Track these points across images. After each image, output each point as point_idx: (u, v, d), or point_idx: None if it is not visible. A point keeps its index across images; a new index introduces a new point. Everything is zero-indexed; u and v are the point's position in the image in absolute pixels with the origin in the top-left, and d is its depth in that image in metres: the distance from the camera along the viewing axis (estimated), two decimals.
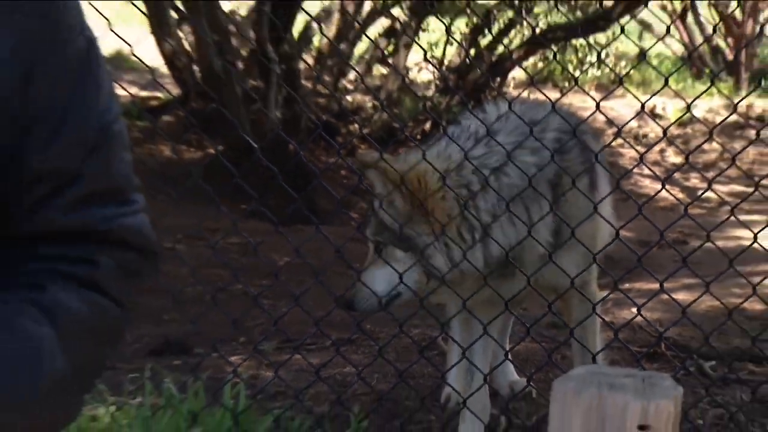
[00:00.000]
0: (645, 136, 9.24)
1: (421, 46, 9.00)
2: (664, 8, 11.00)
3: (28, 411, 1.88)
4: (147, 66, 8.23)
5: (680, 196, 7.82)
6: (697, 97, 8.95)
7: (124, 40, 6.25)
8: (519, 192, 5.62)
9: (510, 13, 9.09)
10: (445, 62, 9.59)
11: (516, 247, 5.57)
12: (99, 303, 1.97)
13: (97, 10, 5.33)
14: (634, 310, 6.07)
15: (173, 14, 8.91)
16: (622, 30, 8.77)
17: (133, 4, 8.35)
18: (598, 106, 6.38)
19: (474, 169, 5.59)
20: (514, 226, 5.57)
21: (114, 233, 2.01)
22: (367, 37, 9.61)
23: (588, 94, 7.98)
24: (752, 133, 8.54)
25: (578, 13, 8.95)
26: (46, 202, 1.94)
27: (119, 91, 2.21)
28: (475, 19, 9.31)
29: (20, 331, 1.84)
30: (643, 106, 6.47)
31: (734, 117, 9.90)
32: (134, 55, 6.88)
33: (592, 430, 2.03)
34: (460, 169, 5.62)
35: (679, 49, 12.30)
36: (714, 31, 11.46)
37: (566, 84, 9.77)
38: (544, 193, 5.63)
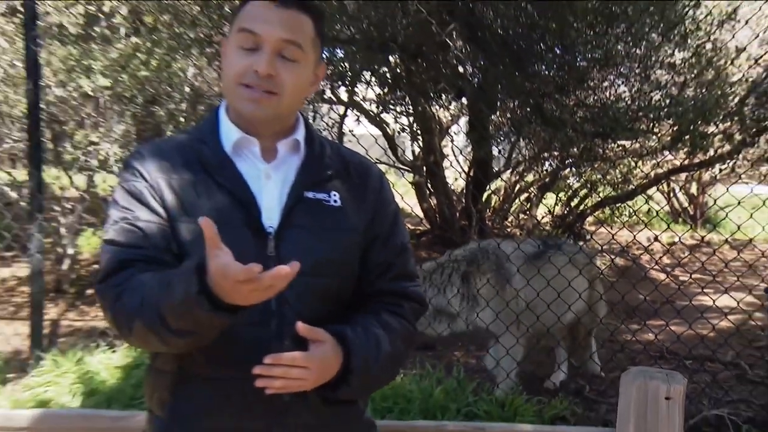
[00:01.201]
0: (652, 249, 9.44)
1: (545, 205, 9.90)
2: (659, 190, 11.29)
3: (378, 370, 2.05)
4: (417, 215, 8.98)
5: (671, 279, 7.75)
6: (684, 233, 9.47)
7: (408, 205, 6.96)
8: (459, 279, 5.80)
9: (585, 191, 9.60)
10: (555, 212, 9.94)
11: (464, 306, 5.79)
12: (404, 324, 2.15)
13: (397, 192, 5.70)
14: (651, 335, 6.35)
15: (427, 191, 9.44)
16: (647, 200, 8.99)
17: (412, 185, 9.34)
18: (634, 237, 7.06)
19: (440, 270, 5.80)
20: (456, 296, 5.73)
21: (408, 294, 2.20)
22: (518, 200, 9.99)
23: (629, 231, 8.45)
24: (705, 249, 8.77)
25: (620, 191, 9.19)
26: (379, 278, 2.16)
27: None
28: (569, 193, 9.76)
29: (371, 331, 2.04)
30: (656, 237, 6.63)
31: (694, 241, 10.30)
32: (412, 211, 7.77)
33: (641, 398, 2.32)
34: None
35: (665, 208, 12.59)
36: (689, 203, 11.79)
37: (614, 223, 10.03)
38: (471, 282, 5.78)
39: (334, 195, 2.09)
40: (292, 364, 1.85)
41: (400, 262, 2.20)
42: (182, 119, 7.71)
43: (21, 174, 7.86)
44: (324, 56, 2.16)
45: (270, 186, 2.05)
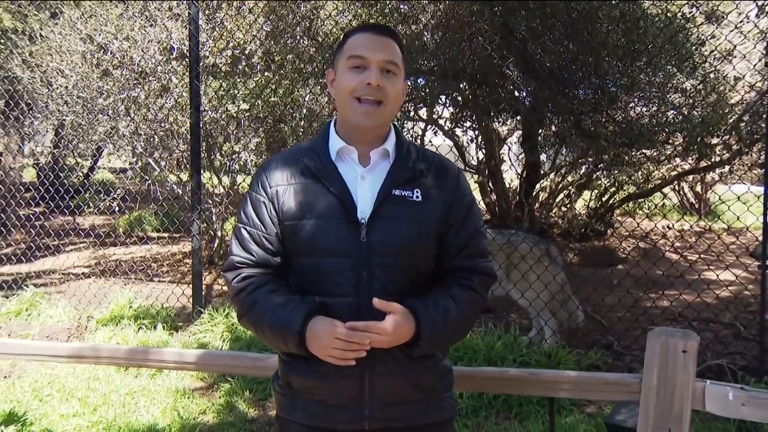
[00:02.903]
0: (667, 235, 9.06)
1: (583, 199, 9.74)
2: (673, 188, 10.85)
3: (445, 333, 2.03)
4: (480, 208, 8.97)
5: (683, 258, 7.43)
6: (696, 221, 9.39)
7: (476, 201, 6.94)
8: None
9: (614, 189, 8.96)
10: (590, 205, 9.68)
11: None
12: (472, 294, 2.09)
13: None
14: (667, 302, 6.22)
15: (489, 189, 9.29)
16: (663, 197, 9.00)
17: (477, 183, 9.17)
18: (655, 225, 7.14)
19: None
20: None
21: (479, 269, 2.13)
22: (561, 196, 9.64)
23: (649, 220, 8.43)
24: (708, 235, 8.56)
25: (642, 189, 8.71)
26: (456, 256, 2.10)
27: None
28: (601, 190, 9.41)
29: (440, 303, 2.01)
30: (670, 226, 6.99)
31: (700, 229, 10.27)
32: (479, 204, 7.72)
33: (663, 352, 2.27)
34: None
35: (677, 204, 11.46)
36: (696, 199, 11.50)
37: (637, 215, 9.86)
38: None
39: (417, 191, 2.06)
40: (366, 329, 1.91)
41: (473, 243, 2.14)
42: (301, 133, 7.77)
43: (185, 176, 8.07)
44: (409, 80, 2.21)
45: (365, 185, 2.05)
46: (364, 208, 2.01)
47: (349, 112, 2.05)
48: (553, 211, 9.72)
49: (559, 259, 5.92)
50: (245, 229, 2.10)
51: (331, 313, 1.96)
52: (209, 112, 7.35)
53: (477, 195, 9.25)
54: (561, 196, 9.68)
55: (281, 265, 2.10)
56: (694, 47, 6.90)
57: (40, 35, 7.88)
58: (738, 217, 5.62)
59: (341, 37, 2.14)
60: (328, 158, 2.07)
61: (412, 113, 8.83)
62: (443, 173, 2.14)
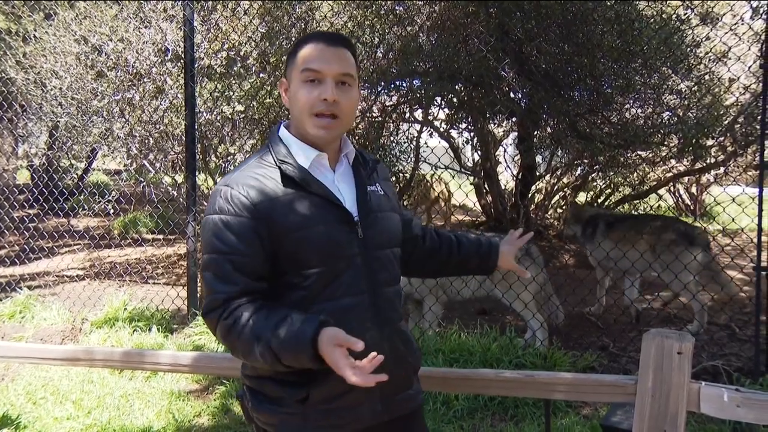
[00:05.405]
0: None
1: (578, 201, 9.07)
2: (668, 190, 10.77)
3: None
4: (477, 209, 8.89)
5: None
6: (691, 223, 9.23)
7: (471, 201, 6.96)
8: None
9: (609, 191, 9.39)
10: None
11: None
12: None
13: (463, 190, 6.10)
14: (658, 305, 6.28)
15: (484, 190, 9.22)
16: (659, 198, 9.05)
17: (473, 185, 9.42)
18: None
19: None
20: None
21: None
22: (557, 197, 9.57)
23: None
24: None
25: (637, 191, 9.01)
26: (423, 238, 2.32)
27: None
28: (597, 191, 9.53)
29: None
30: None
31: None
32: (474, 206, 7.73)
33: (659, 353, 2.26)
34: None
35: (672, 205, 11.79)
36: (691, 200, 11.41)
37: (632, 213, 10.00)
38: None
39: (378, 186, 2.13)
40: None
41: (416, 221, 2.33)
42: None
43: (180, 177, 8.06)
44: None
45: (344, 188, 2.06)
46: (351, 208, 2.03)
47: (308, 126, 2.00)
48: (549, 213, 9.70)
49: (540, 259, 5.92)
50: (229, 259, 1.90)
51: (350, 313, 1.96)
52: (204, 114, 7.34)
53: (473, 197, 9.37)
54: (557, 197, 9.65)
55: (267, 288, 1.97)
56: (689, 49, 6.92)
57: (34, 36, 7.85)
58: (733, 219, 5.65)
59: (293, 45, 2.07)
60: (301, 167, 2.00)
61: (407, 115, 8.83)
62: (379, 168, 2.23)
